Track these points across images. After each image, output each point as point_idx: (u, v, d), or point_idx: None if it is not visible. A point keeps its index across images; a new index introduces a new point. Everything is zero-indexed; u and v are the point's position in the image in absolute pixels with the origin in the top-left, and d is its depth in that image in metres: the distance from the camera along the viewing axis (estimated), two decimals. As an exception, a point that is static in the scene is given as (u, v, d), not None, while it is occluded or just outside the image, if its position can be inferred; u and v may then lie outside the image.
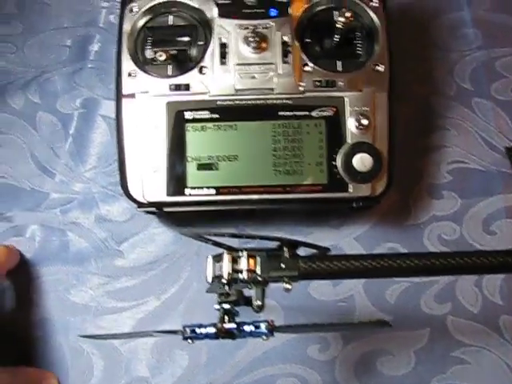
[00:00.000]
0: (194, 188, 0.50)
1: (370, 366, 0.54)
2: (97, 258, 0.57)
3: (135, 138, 0.51)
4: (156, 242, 0.57)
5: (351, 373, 0.53)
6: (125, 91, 0.51)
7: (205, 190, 0.50)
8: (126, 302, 0.56)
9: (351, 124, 0.51)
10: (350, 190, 0.50)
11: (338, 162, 0.50)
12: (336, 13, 0.53)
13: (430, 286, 0.55)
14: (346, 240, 0.57)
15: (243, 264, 0.39)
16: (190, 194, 0.50)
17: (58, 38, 0.65)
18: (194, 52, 0.52)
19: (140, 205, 0.52)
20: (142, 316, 0.55)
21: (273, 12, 0.52)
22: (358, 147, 0.50)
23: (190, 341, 0.40)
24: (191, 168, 0.50)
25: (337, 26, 0.50)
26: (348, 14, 0.49)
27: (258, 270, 0.39)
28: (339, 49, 0.52)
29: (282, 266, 0.40)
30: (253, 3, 0.52)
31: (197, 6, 0.53)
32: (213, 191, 0.50)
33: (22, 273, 0.57)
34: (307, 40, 0.52)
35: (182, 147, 0.50)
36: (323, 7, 0.54)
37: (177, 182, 0.50)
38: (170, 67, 0.52)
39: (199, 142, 0.51)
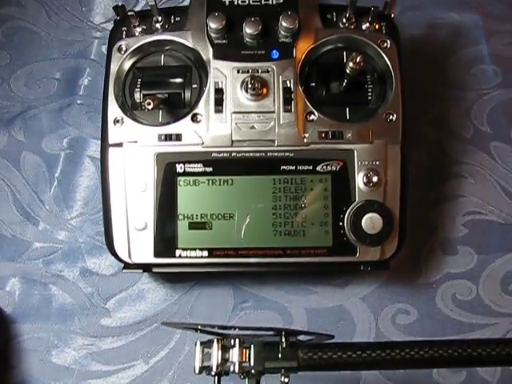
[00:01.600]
0: (186, 249, 0.44)
1: None
2: (81, 315, 0.51)
3: (122, 192, 0.45)
4: (145, 300, 0.51)
5: None
6: (111, 140, 0.45)
7: (197, 251, 0.44)
8: (111, 365, 0.50)
9: (360, 180, 0.44)
10: (358, 253, 0.44)
11: (345, 222, 0.44)
12: (345, 53, 0.47)
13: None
14: (351, 300, 0.51)
15: (235, 355, 0.33)
16: (181, 256, 0.44)
17: (47, 70, 0.59)
18: (187, 96, 0.46)
19: (126, 265, 0.45)
20: (129, 381, 0.49)
21: (275, 54, 0.45)
22: (367, 207, 0.44)
23: None
24: (182, 227, 0.44)
25: (346, 70, 0.44)
26: (359, 59, 0.43)
27: (252, 361, 0.33)
28: (348, 94, 0.46)
29: (280, 356, 0.34)
30: (253, 44, 0.46)
31: (191, 45, 0.46)
32: (206, 253, 0.44)
33: (0, 330, 0.51)
34: (312, 84, 0.46)
35: (173, 203, 0.44)
36: (330, 47, 0.47)
37: (166, 242, 0.44)
38: (160, 113, 0.46)
39: (191, 197, 0.44)
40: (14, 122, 0.57)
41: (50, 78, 0.59)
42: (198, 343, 0.34)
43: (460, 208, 0.54)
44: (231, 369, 0.33)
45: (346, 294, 0.51)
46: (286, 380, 0.33)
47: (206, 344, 0.34)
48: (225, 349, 0.34)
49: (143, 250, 0.44)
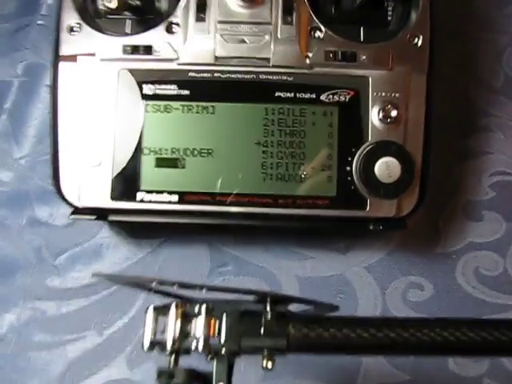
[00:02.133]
0: (150, 192, 0.34)
1: None
2: (24, 273, 0.41)
3: (74, 118, 0.35)
4: (103, 258, 0.41)
5: None
6: (63, 51, 0.35)
7: (165, 195, 0.34)
8: (57, 335, 0.40)
9: (375, 115, 0.34)
10: (368, 207, 0.34)
11: (354, 167, 0.34)
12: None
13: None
14: (354, 270, 0.41)
15: (199, 326, 0.24)
16: (143, 200, 0.34)
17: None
18: (162, 3, 0.36)
19: (76, 210, 0.36)
20: (78, 355, 0.40)
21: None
22: (382, 149, 0.34)
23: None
24: (147, 164, 0.34)
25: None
26: None
27: (223, 337, 0.24)
28: (363, 11, 0.36)
29: (262, 331, 0.24)
30: None
31: None
32: (175, 198, 0.34)
33: None
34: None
35: (137, 134, 0.34)
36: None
37: (126, 182, 0.34)
38: (128, 22, 0.36)
39: (161, 127, 0.34)
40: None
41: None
42: (151, 308, 0.25)
43: (487, 166, 0.44)
44: (193, 346, 0.24)
45: (348, 261, 0.41)
46: (270, 365, 0.24)
47: (161, 310, 0.25)
48: (186, 317, 0.24)
49: (97, 191, 0.34)
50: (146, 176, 0.34)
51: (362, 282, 0.41)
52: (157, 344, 0.24)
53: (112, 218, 0.36)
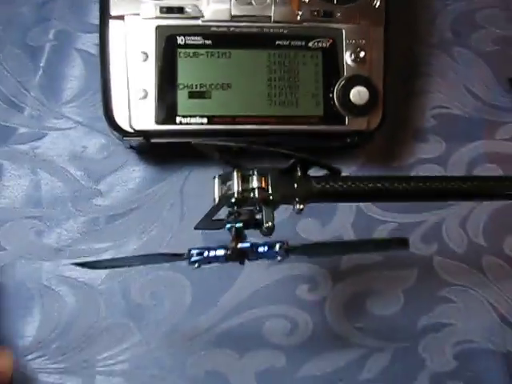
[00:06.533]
0: (186, 116, 0.49)
1: (360, 305, 0.54)
2: (73, 197, 0.55)
3: (122, 63, 0.49)
4: (135, 180, 0.56)
5: (341, 312, 0.54)
6: (113, 12, 0.49)
7: (197, 118, 0.49)
8: (103, 243, 0.54)
9: (348, 57, 0.51)
10: (347, 122, 0.51)
11: (335, 94, 0.50)
12: None
13: (416, 227, 0.57)
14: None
15: (254, 182, 0.39)
16: (181, 123, 0.49)
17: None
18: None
19: (125, 134, 0.50)
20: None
21: None
22: (355, 80, 0.50)
23: (196, 265, 0.39)
24: (182, 96, 0.49)
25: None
26: None
27: (270, 189, 0.39)
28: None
29: (295, 185, 0.39)
30: None
31: None
32: (205, 120, 0.49)
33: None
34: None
35: (173, 74, 0.49)
36: None
37: (167, 109, 0.49)
38: (161, -10, 0.50)
39: (191, 68, 0.49)
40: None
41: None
42: (217, 176, 0.39)
43: (428, 102, 0.61)
44: (251, 195, 0.38)
45: (328, 174, 0.57)
46: (301, 207, 0.39)
47: (224, 177, 0.39)
48: (244, 179, 0.39)
49: (144, 117, 0.49)
50: (182, 104, 0.49)
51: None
52: (224, 197, 0.39)
53: (154, 140, 0.50)
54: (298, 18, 0.50)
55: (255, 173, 0.39)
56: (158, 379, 0.51)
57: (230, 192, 0.38)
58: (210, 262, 0.39)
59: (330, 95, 0.50)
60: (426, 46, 0.63)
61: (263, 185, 0.39)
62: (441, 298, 0.55)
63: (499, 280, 0.56)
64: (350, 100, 0.50)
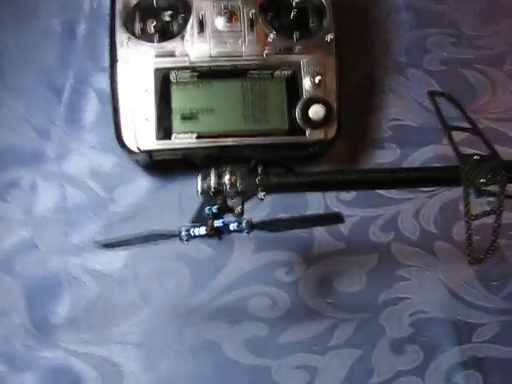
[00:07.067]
0: (179, 133, 0.63)
1: (329, 284, 0.67)
2: (92, 205, 0.68)
3: (128, 96, 0.63)
4: (141, 189, 0.69)
5: (313, 291, 0.66)
6: (119, 57, 0.63)
7: (188, 134, 0.63)
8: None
9: (306, 82, 0.64)
10: (307, 134, 0.64)
11: (297, 112, 0.63)
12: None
13: (376, 219, 0.69)
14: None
15: (227, 178, 0.52)
16: (176, 138, 0.62)
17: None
18: (176, 25, 0.65)
19: (133, 152, 0.63)
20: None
21: (242, -11, 0.65)
22: (312, 100, 0.63)
23: (185, 241, 0.52)
24: (176, 118, 0.63)
25: (293, 4, 0.65)
26: None
27: (239, 184, 0.52)
28: (296, 22, 0.66)
29: (257, 179, 0.52)
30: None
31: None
32: (195, 136, 0.63)
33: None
34: (270, 14, 0.66)
35: (168, 102, 0.63)
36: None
37: (164, 129, 0.62)
38: (156, 37, 0.64)
39: (182, 97, 0.63)
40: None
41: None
42: (200, 174, 0.52)
43: (385, 116, 0.74)
44: (226, 187, 0.51)
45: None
46: (263, 195, 0.51)
47: (205, 174, 0.52)
48: (219, 176, 0.52)
49: (147, 138, 0.62)
50: (175, 125, 0.63)
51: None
52: (204, 191, 0.52)
53: (156, 157, 0.64)
54: (265, 53, 0.64)
55: (227, 171, 0.52)
56: (163, 347, 0.64)
57: (208, 185, 0.52)
58: (195, 237, 0.52)
59: (293, 113, 0.63)
60: (382, 68, 0.76)
61: (233, 180, 0.52)
62: (398, 277, 0.68)
63: (448, 260, 0.68)
64: (308, 116, 0.63)
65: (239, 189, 0.52)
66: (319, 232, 0.68)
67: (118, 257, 0.66)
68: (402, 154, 0.72)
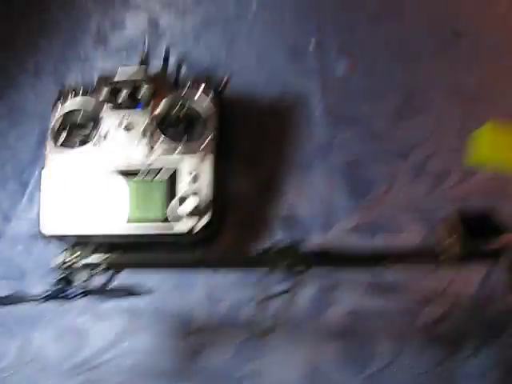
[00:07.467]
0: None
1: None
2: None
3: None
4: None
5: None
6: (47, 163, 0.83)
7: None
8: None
9: (185, 179, 0.78)
10: (184, 224, 0.77)
11: (174, 205, 0.77)
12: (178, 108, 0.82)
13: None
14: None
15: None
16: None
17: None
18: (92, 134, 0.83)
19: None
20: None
21: (139, 106, 0.82)
22: (186, 196, 0.77)
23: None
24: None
25: (179, 116, 0.81)
26: (184, 111, 0.81)
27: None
28: (182, 130, 0.81)
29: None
30: (125, 101, 0.82)
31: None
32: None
33: None
34: (162, 125, 0.82)
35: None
36: (172, 104, 0.83)
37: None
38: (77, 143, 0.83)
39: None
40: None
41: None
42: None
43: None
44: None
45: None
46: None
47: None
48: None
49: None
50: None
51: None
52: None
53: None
54: (153, 156, 0.79)
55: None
56: None
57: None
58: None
59: (172, 206, 0.77)
60: (288, 165, 0.88)
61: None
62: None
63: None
64: (184, 208, 0.76)
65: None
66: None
67: None
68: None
